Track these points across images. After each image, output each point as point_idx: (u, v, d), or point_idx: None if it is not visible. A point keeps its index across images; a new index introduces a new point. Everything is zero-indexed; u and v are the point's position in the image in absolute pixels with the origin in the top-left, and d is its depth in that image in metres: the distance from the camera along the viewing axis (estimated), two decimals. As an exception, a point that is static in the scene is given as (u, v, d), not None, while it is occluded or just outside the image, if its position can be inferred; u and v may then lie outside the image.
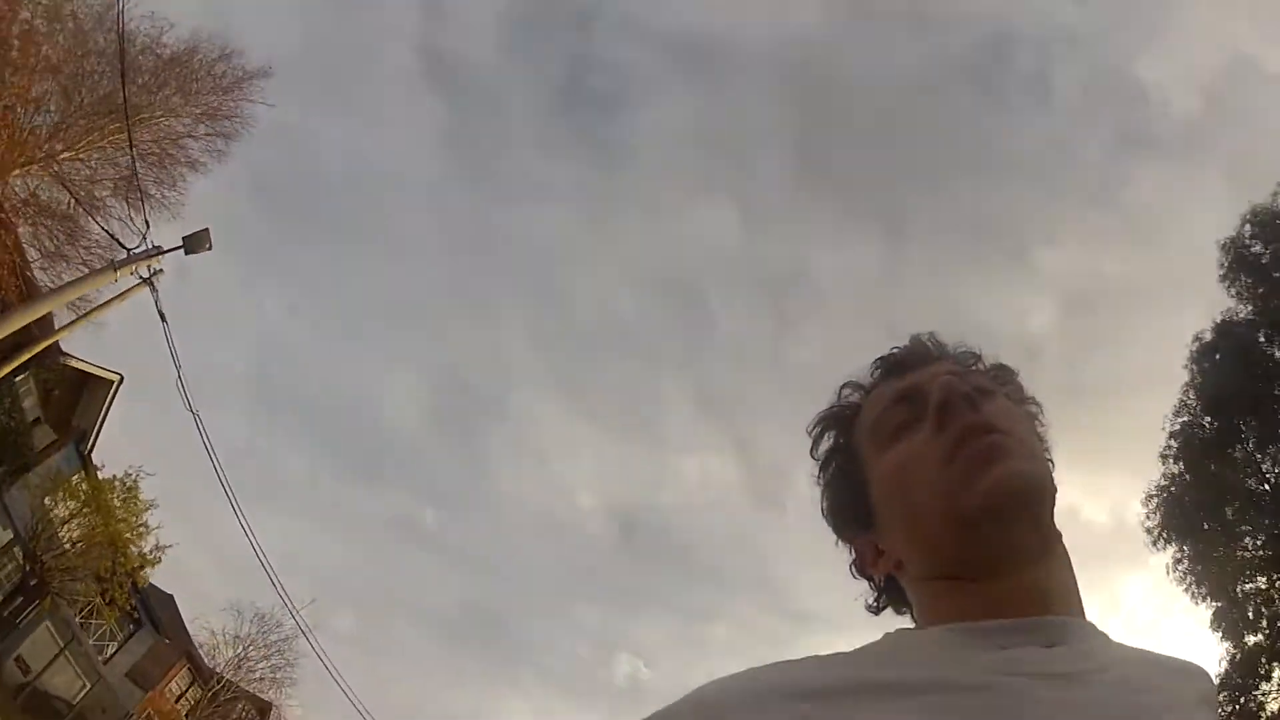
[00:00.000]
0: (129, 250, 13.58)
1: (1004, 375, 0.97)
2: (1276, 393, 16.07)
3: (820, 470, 0.95)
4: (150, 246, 13.56)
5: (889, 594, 0.91)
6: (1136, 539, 17.20)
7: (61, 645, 19.22)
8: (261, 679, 25.85)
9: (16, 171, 16.14)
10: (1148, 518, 16.60)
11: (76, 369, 18.12)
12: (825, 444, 0.95)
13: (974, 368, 0.95)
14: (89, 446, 20.76)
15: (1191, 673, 0.84)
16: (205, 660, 25.05)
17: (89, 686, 20.08)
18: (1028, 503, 0.78)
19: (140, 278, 13.25)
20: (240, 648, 25.52)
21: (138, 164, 15.70)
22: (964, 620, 0.76)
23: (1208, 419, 16.48)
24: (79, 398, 19.27)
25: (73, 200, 16.99)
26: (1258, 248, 16.61)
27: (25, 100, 15.95)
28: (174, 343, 13.56)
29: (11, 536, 16.87)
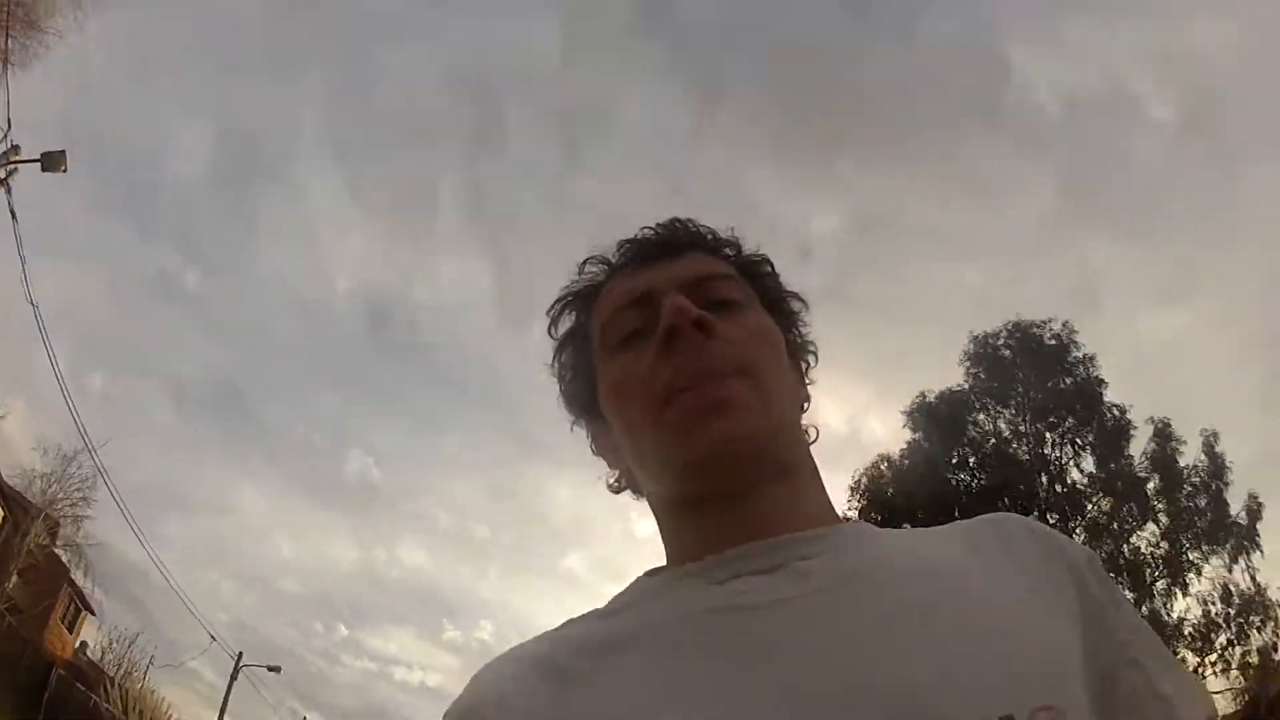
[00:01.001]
0: None
1: (758, 269, 0.89)
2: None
3: (556, 351, 0.91)
4: (9, 147, 13.99)
5: (628, 480, 0.89)
6: (869, 453, 22.32)
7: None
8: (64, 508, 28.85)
9: None
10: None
11: None
12: (563, 324, 0.91)
13: (726, 259, 0.87)
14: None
15: (996, 523, 0.79)
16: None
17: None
18: (748, 457, 0.74)
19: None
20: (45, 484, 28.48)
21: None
22: (694, 557, 0.75)
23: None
24: None
25: None
26: (1005, 352, 18.88)
27: None
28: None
29: None
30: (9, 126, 14.00)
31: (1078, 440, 18.33)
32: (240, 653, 33.58)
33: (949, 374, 19.51)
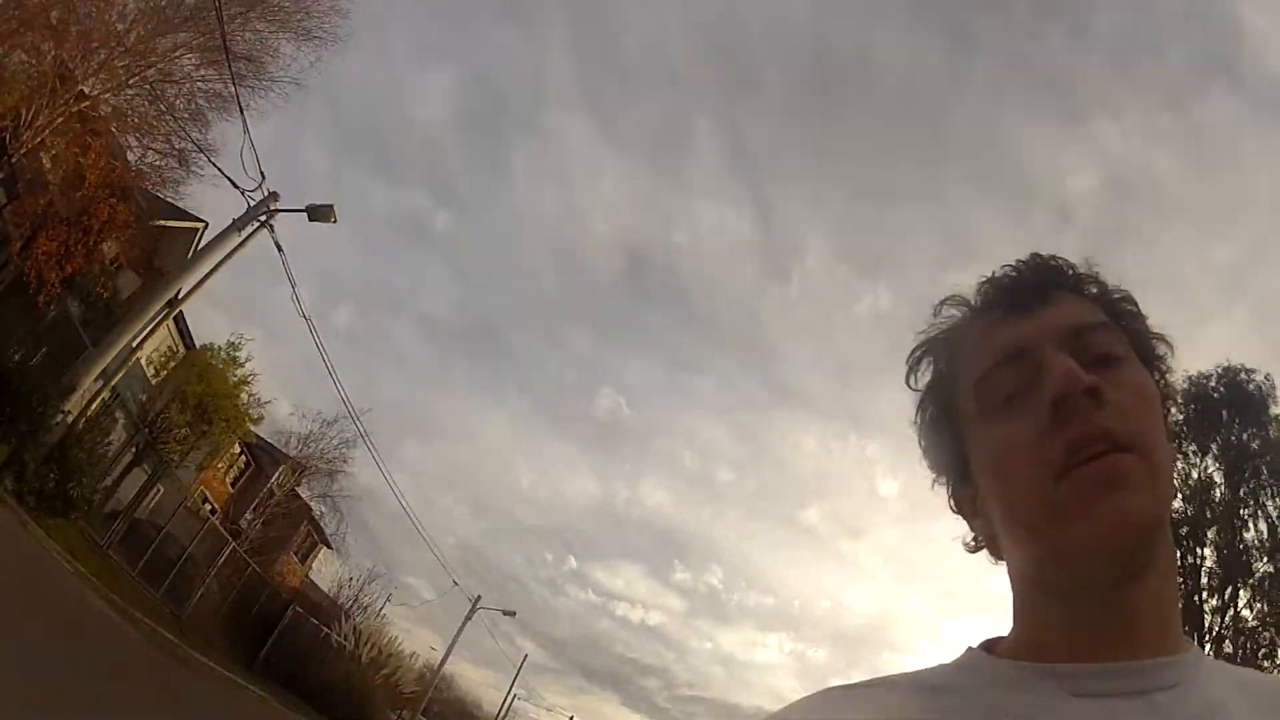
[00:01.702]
0: (249, 202, 15.16)
1: (1126, 310, 0.83)
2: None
3: (919, 405, 0.86)
4: (267, 194, 15.13)
5: (988, 545, 0.83)
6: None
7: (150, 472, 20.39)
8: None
9: (104, 79, 16.77)
10: None
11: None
12: (925, 374, 0.86)
13: (1093, 299, 0.81)
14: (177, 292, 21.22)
15: None
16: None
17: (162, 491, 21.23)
18: (1136, 543, 0.70)
19: (258, 221, 15.18)
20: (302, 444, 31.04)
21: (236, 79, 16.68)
22: (1055, 651, 0.70)
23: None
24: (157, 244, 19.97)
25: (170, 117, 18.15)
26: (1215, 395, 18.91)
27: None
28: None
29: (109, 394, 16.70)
30: (263, 177, 15.03)
31: (1264, 496, 18.26)
32: (479, 595, 34.39)
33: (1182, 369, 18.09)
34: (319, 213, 16.21)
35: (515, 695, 50.11)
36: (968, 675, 0.72)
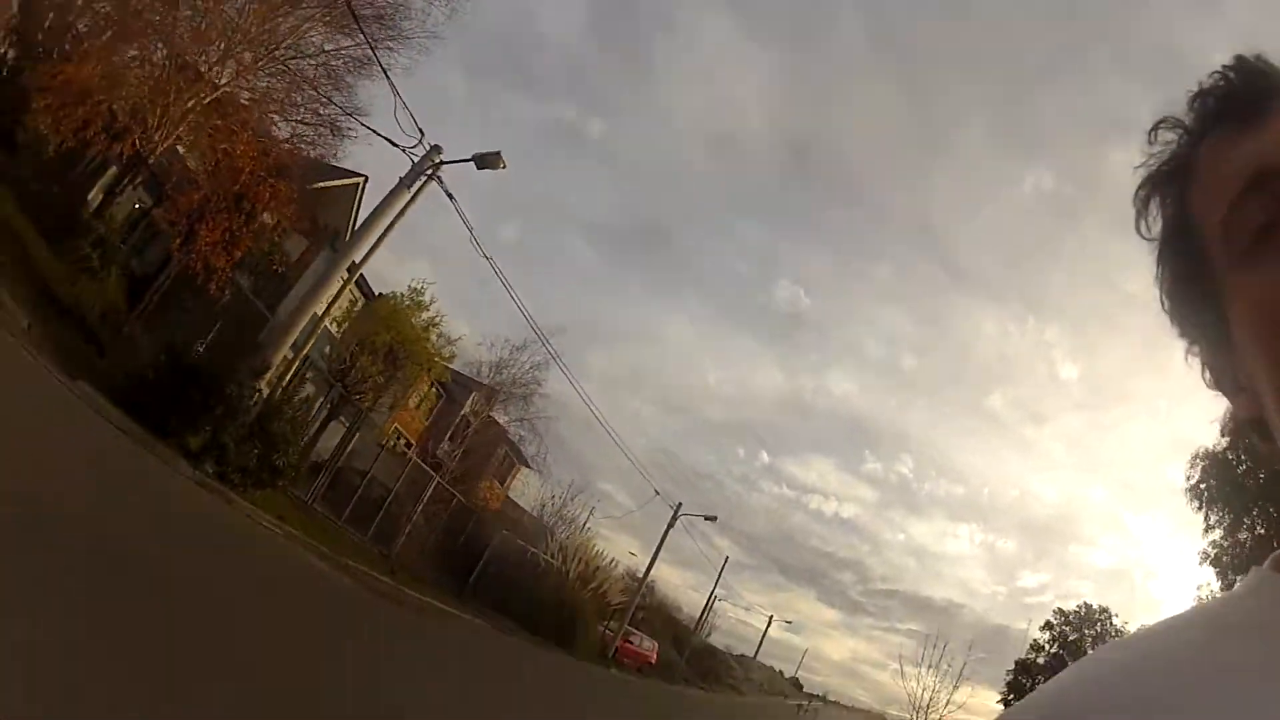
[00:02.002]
0: (412, 159, 15.44)
1: None
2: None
3: (1158, 256, 0.69)
4: (429, 148, 15.42)
5: (1255, 427, 0.65)
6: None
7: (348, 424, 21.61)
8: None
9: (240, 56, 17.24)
10: None
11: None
12: (1155, 216, 0.69)
13: None
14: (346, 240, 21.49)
15: None
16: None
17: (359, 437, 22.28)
18: None
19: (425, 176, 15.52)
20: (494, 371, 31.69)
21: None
22: None
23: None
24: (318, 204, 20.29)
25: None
26: None
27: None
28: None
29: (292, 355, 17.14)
30: (421, 134, 15.30)
31: None
32: (680, 503, 34.99)
33: None
34: (486, 160, 16.40)
35: (715, 596, 51.49)
36: (1257, 605, 0.59)
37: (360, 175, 22.49)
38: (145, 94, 15.84)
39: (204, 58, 16.86)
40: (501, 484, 36.88)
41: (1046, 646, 40.16)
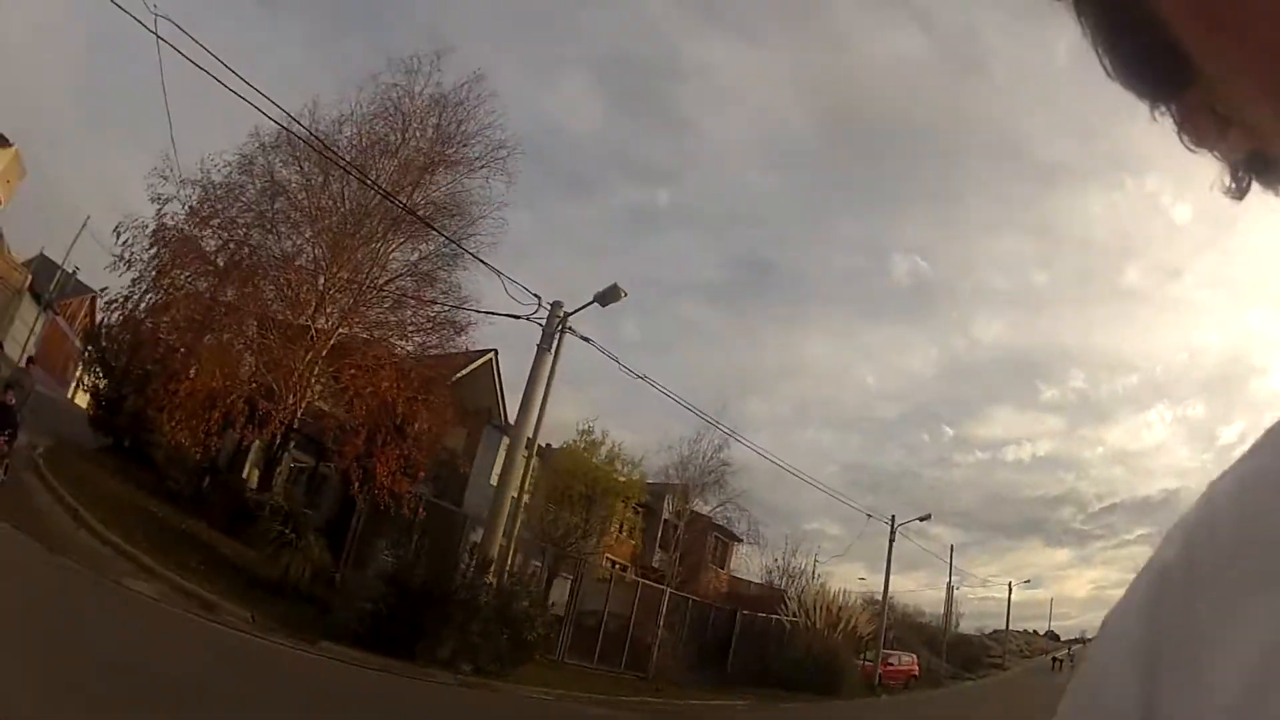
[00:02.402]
0: (539, 324, 17.14)
1: None
2: None
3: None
4: (550, 306, 17.14)
5: (1253, 168, 0.53)
6: None
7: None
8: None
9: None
10: None
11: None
12: None
13: None
14: (503, 419, 24.32)
15: None
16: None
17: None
18: None
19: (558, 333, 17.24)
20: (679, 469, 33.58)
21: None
22: None
23: None
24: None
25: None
26: None
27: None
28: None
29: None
30: (538, 299, 17.05)
31: None
32: (893, 515, 35.90)
33: None
34: (608, 296, 17.76)
35: (952, 587, 50.66)
36: None
37: (490, 350, 24.69)
38: (268, 370, 17.30)
39: (305, 318, 18.21)
40: (721, 568, 38.52)
41: None
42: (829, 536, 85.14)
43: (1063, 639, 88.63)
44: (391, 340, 19.54)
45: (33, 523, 10.60)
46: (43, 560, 9.12)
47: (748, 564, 39.31)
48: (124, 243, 17.98)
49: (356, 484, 17.59)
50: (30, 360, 16.75)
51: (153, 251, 18.07)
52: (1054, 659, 55.92)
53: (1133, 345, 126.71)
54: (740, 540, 37.37)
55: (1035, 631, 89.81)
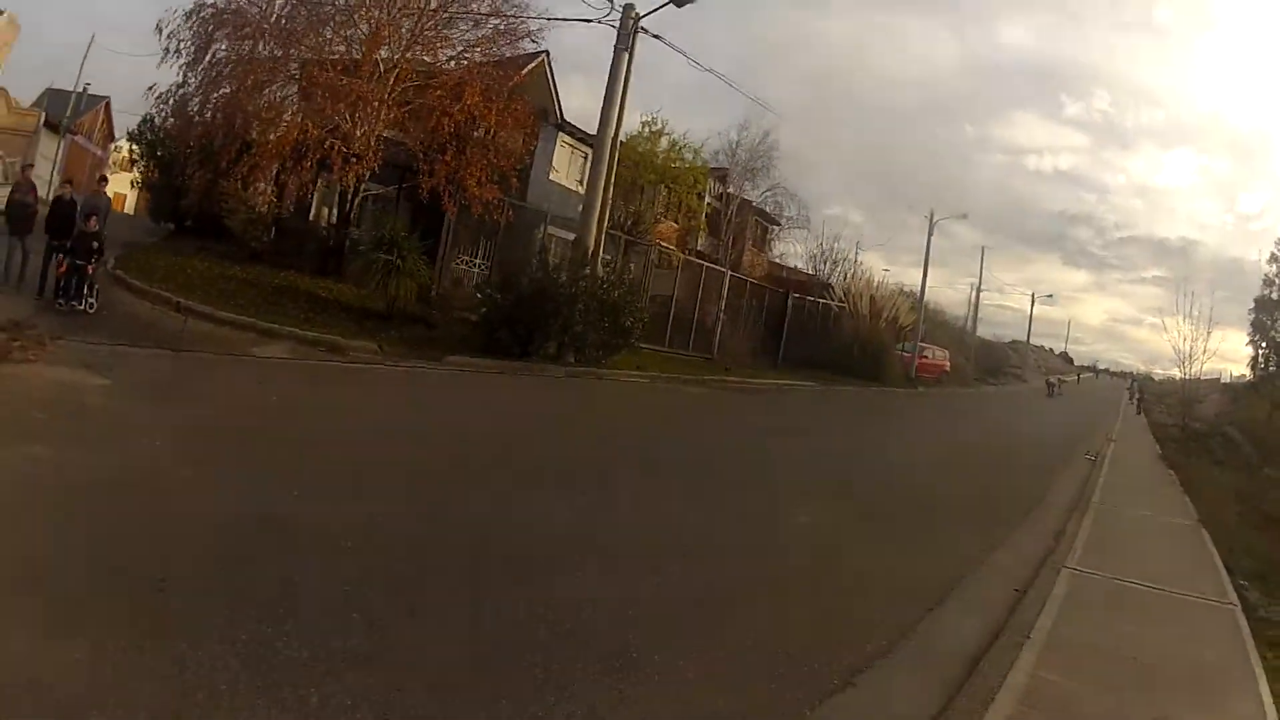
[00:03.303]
0: (612, 26, 17.13)
1: None
2: None
3: None
4: (623, 7, 17.04)
5: None
6: None
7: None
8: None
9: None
10: None
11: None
12: None
13: None
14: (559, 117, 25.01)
15: None
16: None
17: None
18: None
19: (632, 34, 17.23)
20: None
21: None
22: None
23: None
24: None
25: None
26: None
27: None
28: None
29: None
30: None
31: None
32: (932, 210, 36.62)
33: None
34: None
35: (978, 289, 51.84)
36: None
37: (543, 51, 23.65)
38: (338, 109, 17.42)
39: (380, 61, 18.17)
40: (762, 253, 39.11)
41: (1276, 279, 37.96)
42: (850, 224, 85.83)
43: (1074, 362, 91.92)
44: (467, 56, 19.25)
45: (148, 333, 10.65)
46: (170, 367, 9.18)
47: (788, 250, 40.01)
48: (168, 34, 18.04)
49: (447, 198, 17.94)
50: (103, 179, 16.19)
51: (193, 31, 18.17)
52: (1048, 382, 51.06)
53: (1161, 82, 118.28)
54: (780, 225, 37.71)
55: (1050, 349, 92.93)
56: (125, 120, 43.95)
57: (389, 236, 16.16)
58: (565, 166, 25.86)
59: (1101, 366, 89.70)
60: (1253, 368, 38.35)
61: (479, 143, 18.52)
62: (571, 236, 18.95)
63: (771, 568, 5.91)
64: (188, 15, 18.19)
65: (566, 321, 16.00)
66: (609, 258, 18.94)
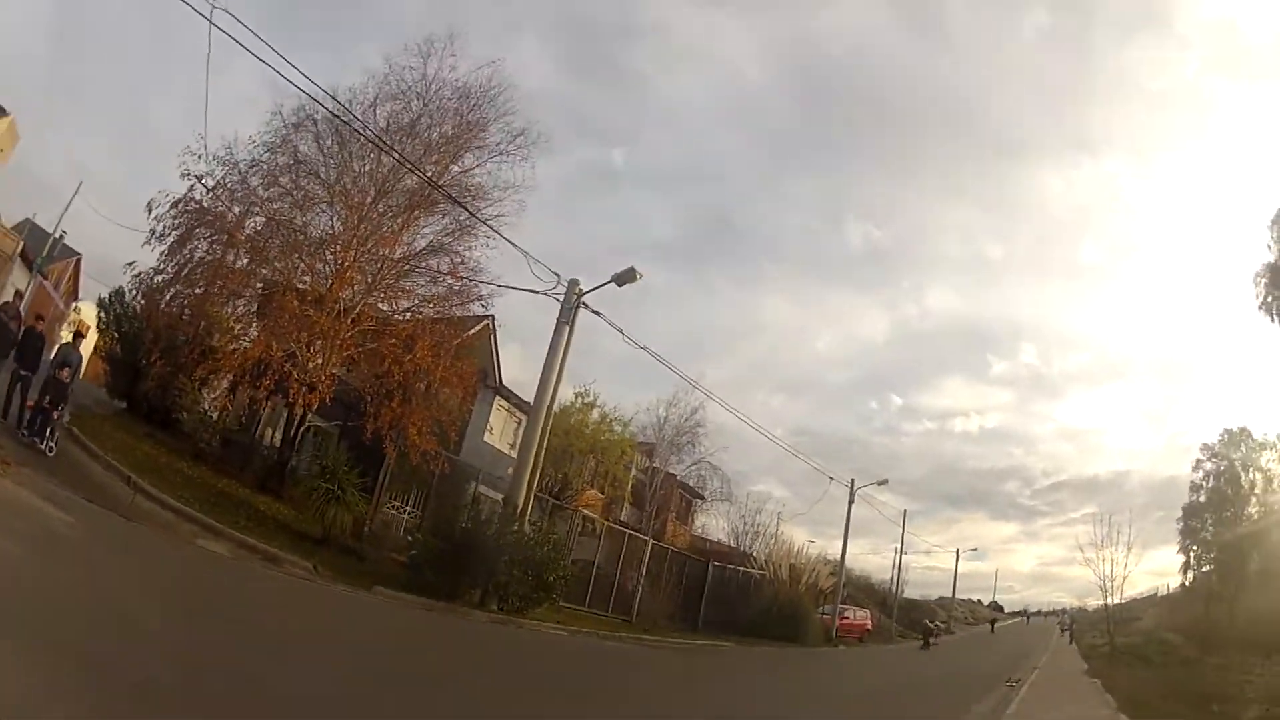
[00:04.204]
0: (560, 302, 19.09)
1: None
2: None
3: None
4: (567, 284, 19.16)
5: None
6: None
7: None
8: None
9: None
10: None
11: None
12: None
13: None
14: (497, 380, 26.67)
15: None
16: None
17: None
18: None
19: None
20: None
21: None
22: None
23: None
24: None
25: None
26: None
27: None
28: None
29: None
30: (558, 276, 19.03)
31: None
32: (853, 479, 38.80)
33: None
34: (624, 277, 19.29)
35: (901, 551, 53.82)
36: None
37: (489, 315, 25.33)
38: (304, 344, 18.34)
39: (342, 300, 19.11)
40: (683, 523, 40.80)
41: (1203, 484, 39.25)
42: (773, 499, 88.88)
43: (1005, 610, 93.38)
44: (422, 310, 20.57)
45: (99, 494, 11.42)
46: (125, 530, 10.00)
47: (709, 522, 41.87)
48: (155, 217, 18.66)
49: (388, 441, 18.90)
50: (78, 335, 17.40)
51: (176, 222, 18.86)
52: (925, 635, 44.79)
53: (1087, 323, 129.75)
54: (703, 499, 39.73)
55: (979, 600, 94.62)
56: (89, 285, 43.76)
57: (331, 467, 17.21)
58: (500, 429, 27.68)
59: (1034, 610, 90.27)
60: (1184, 571, 38.95)
61: (423, 395, 19.69)
62: (500, 496, 20.11)
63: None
64: (174, 204, 18.77)
65: (493, 570, 16.90)
66: (536, 519, 20.19)
